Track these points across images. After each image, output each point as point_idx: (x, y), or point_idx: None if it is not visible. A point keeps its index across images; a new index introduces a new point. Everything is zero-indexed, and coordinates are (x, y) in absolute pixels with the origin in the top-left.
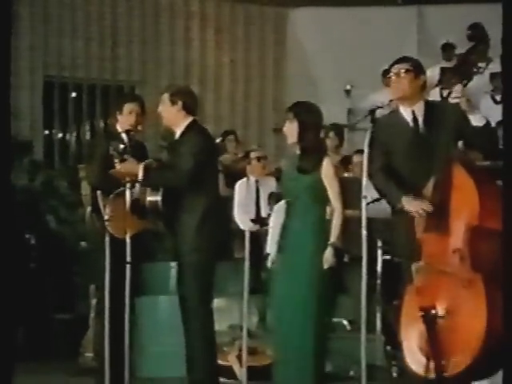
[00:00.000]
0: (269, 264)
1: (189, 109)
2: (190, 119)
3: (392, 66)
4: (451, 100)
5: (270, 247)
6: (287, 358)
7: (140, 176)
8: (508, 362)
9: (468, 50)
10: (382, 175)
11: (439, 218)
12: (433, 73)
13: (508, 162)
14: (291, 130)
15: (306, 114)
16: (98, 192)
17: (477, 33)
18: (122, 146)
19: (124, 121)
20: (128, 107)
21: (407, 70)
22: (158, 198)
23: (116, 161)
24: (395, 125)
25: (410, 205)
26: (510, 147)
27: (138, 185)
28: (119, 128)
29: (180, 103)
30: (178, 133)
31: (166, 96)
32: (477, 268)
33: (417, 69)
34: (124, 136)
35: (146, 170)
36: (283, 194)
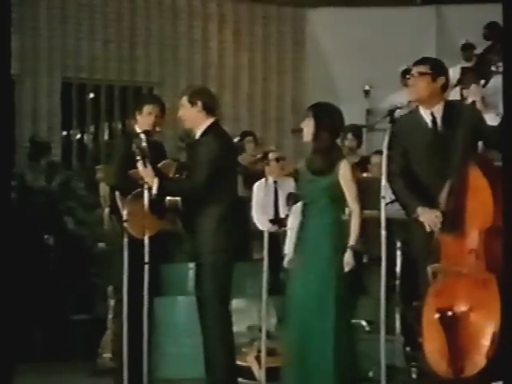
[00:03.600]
0: (286, 264)
1: (209, 108)
2: (211, 120)
3: (412, 66)
4: (468, 101)
5: (288, 248)
6: (305, 360)
7: (154, 190)
8: (509, 362)
9: (485, 50)
10: (399, 181)
11: (456, 219)
12: (453, 73)
13: (508, 162)
14: (308, 128)
15: (324, 114)
16: (117, 192)
17: (493, 32)
18: (144, 144)
19: (143, 121)
20: (147, 108)
21: (424, 73)
22: (178, 198)
23: (138, 158)
24: (414, 125)
25: (424, 216)
26: (510, 147)
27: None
28: (138, 128)
29: (200, 103)
30: (198, 133)
31: (184, 99)
32: (492, 268)
33: (435, 71)
34: (142, 136)
35: (161, 183)
36: (300, 195)
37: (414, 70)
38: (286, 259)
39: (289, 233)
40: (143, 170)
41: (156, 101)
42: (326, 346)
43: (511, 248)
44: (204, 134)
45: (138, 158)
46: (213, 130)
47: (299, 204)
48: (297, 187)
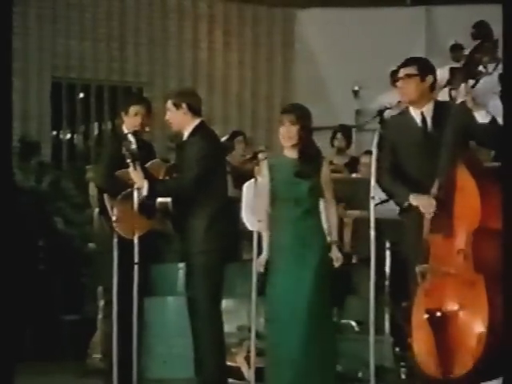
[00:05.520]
0: (260, 268)
1: (194, 109)
2: (197, 121)
3: (400, 68)
4: (458, 101)
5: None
6: (298, 359)
7: (145, 192)
8: (509, 362)
9: (473, 49)
10: (388, 175)
11: (444, 218)
12: (442, 73)
13: (508, 162)
14: (292, 132)
15: (307, 117)
16: (105, 193)
17: (481, 31)
18: (134, 147)
19: (130, 122)
20: (134, 109)
21: (412, 75)
22: (168, 199)
23: (128, 160)
24: (404, 125)
25: (417, 201)
26: (510, 147)
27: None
28: (125, 129)
29: (184, 105)
30: (185, 135)
31: (169, 102)
32: (479, 269)
33: (423, 71)
34: (130, 137)
35: (151, 185)
36: (279, 197)
37: (402, 73)
38: (262, 261)
39: (265, 235)
40: (133, 173)
41: (142, 101)
42: (328, 344)
43: (511, 248)
44: (191, 134)
45: (128, 160)
46: (200, 130)
47: (264, 207)
48: (273, 188)
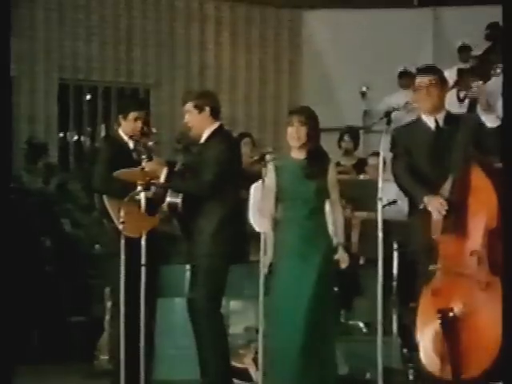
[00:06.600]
0: (264, 270)
1: (216, 113)
2: (216, 124)
3: (418, 75)
4: (469, 97)
5: (269, 251)
6: (300, 359)
7: (162, 179)
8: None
9: (486, 50)
10: (406, 173)
11: (456, 219)
12: (450, 74)
13: (508, 162)
14: (301, 133)
15: (315, 119)
16: (105, 197)
17: (495, 32)
18: (150, 143)
19: (128, 126)
20: (133, 115)
21: (436, 83)
22: (179, 200)
23: (143, 157)
24: (417, 129)
25: (430, 203)
26: (510, 147)
27: (152, 187)
28: (121, 132)
29: (208, 109)
30: (203, 137)
31: (190, 105)
32: (495, 271)
33: (443, 79)
34: (127, 139)
35: (169, 174)
36: (286, 198)
37: (426, 80)
38: (267, 262)
39: (270, 236)
40: (150, 164)
41: (142, 106)
42: (331, 344)
43: (511, 248)
44: (210, 137)
45: (144, 156)
46: (219, 133)
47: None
48: (280, 189)
